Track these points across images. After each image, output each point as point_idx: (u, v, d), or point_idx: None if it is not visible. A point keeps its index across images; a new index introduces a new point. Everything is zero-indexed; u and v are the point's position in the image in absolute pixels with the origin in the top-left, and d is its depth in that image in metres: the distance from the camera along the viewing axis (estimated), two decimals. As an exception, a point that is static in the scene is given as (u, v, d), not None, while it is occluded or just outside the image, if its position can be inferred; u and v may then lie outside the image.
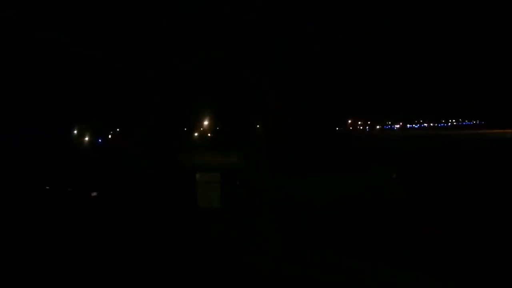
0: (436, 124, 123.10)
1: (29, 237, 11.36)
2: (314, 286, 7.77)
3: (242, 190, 17.03)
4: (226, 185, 15.35)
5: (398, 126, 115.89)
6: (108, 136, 79.70)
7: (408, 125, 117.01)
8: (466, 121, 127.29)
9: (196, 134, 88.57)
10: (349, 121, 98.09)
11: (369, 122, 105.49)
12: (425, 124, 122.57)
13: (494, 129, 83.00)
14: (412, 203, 14.25)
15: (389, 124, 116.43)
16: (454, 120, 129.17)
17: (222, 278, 8.42)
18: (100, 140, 69.72)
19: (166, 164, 27.42)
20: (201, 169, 16.66)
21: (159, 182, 20.06)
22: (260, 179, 20.10)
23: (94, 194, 16.72)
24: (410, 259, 8.95)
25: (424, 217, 12.04)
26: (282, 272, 8.37)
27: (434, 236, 10.37)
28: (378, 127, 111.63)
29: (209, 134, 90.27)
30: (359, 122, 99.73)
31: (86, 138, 66.59)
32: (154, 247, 10.54)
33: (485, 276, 8.10)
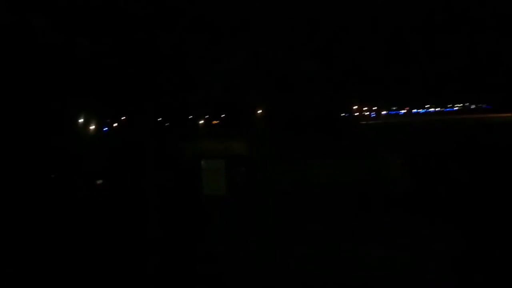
0: (442, 109, 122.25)
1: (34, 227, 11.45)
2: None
3: (247, 177, 17.07)
4: (231, 171, 15.40)
5: (404, 111, 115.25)
6: (114, 124, 79.85)
7: (413, 110, 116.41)
8: (474, 105, 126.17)
9: (201, 122, 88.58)
10: (355, 107, 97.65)
11: (374, 108, 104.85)
12: (431, 109, 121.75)
13: (502, 113, 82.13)
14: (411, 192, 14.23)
15: (394, 109, 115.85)
16: (461, 104, 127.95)
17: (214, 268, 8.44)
18: (106, 129, 69.93)
19: (171, 152, 27.49)
20: (206, 156, 16.70)
21: (165, 169, 20.11)
22: (265, 166, 20.11)
23: (100, 182, 16.80)
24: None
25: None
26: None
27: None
28: (383, 112, 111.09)
29: (213, 122, 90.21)
30: (365, 108, 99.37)
31: (92, 127, 66.74)
32: (155, 237, 10.57)
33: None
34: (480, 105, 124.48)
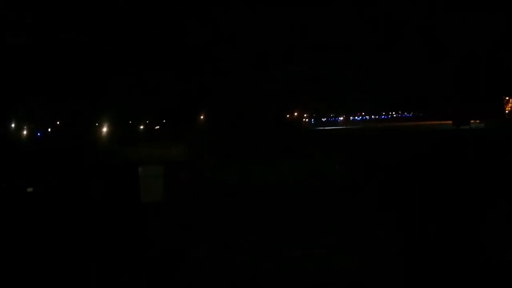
0: (377, 116, 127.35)
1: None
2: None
3: (187, 182, 17.00)
4: (170, 177, 15.29)
5: (341, 118, 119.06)
6: (49, 129, 76.82)
7: (351, 117, 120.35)
8: (406, 113, 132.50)
9: (141, 127, 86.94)
10: (295, 114, 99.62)
11: (314, 115, 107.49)
12: (367, 117, 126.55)
13: (431, 121, 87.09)
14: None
15: (333, 116, 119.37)
16: (394, 112, 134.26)
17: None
18: (39, 134, 67.12)
19: (107, 157, 26.86)
20: (144, 162, 16.47)
21: (100, 175, 19.65)
22: (204, 170, 20.15)
23: (30, 189, 16.12)
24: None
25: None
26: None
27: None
28: (323, 119, 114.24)
29: (156, 127, 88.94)
30: (305, 115, 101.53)
31: (25, 132, 63.87)
32: (90, 243, 10.33)
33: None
34: (402, 114, 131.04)
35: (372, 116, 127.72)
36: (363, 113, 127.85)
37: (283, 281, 7.77)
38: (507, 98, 70.73)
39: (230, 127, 57.94)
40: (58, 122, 76.81)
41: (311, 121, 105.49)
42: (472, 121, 62.49)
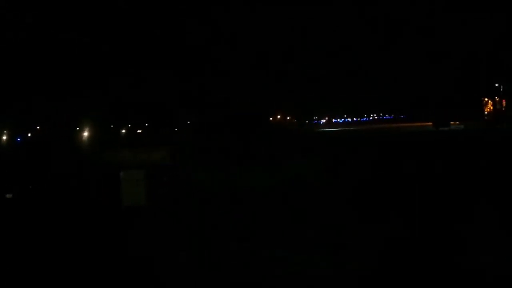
0: (359, 119, 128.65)
1: None
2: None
3: (169, 186, 16.91)
4: (152, 181, 15.20)
5: (324, 120, 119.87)
6: (29, 134, 75.77)
7: (333, 120, 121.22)
8: (387, 115, 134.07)
9: (123, 130, 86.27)
10: (278, 116, 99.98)
11: (297, 117, 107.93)
12: (348, 119, 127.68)
13: (412, 122, 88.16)
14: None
15: (316, 119, 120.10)
16: (375, 114, 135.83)
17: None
18: (19, 139, 66.16)
19: (89, 162, 26.58)
20: (126, 167, 16.36)
21: (81, 180, 19.44)
22: (187, 174, 20.06)
23: (9, 196, 15.88)
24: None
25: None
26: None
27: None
28: (307, 121, 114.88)
29: (138, 131, 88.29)
30: (288, 117, 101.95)
31: (4, 137, 62.88)
32: (71, 248, 10.23)
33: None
34: (382, 116, 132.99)
35: (354, 118, 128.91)
36: (345, 116, 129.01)
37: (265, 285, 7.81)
38: (486, 99, 71.88)
39: (213, 131, 57.90)
40: (38, 127, 75.85)
41: (295, 122, 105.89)
42: (452, 122, 63.44)
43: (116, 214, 13.31)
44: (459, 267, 7.97)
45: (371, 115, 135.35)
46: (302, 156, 25.88)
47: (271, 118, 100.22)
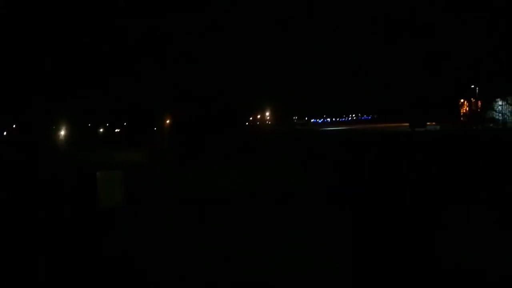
0: (338, 119, 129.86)
1: None
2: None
3: (146, 187, 16.75)
4: (129, 182, 15.02)
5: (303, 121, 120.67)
6: (4, 133, 74.28)
7: (312, 120, 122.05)
8: (365, 115, 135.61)
9: (101, 130, 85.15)
10: (258, 116, 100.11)
11: (275, 118, 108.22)
12: (328, 119, 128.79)
13: (389, 123, 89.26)
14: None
15: (295, 119, 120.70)
16: (354, 115, 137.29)
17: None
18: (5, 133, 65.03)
19: (65, 161, 26.18)
20: (102, 167, 16.13)
21: (56, 180, 19.13)
22: (165, 175, 19.90)
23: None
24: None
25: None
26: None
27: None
28: (287, 121, 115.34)
29: (116, 130, 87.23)
30: (268, 117, 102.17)
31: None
32: (43, 251, 10.04)
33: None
34: (360, 117, 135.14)
35: (333, 119, 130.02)
36: (324, 116, 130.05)
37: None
38: (462, 100, 73.17)
39: (192, 130, 57.59)
40: (14, 126, 74.41)
41: (274, 123, 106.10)
42: (428, 123, 64.35)
43: (91, 216, 13.10)
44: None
45: (350, 115, 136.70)
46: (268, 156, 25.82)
47: (251, 118, 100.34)
